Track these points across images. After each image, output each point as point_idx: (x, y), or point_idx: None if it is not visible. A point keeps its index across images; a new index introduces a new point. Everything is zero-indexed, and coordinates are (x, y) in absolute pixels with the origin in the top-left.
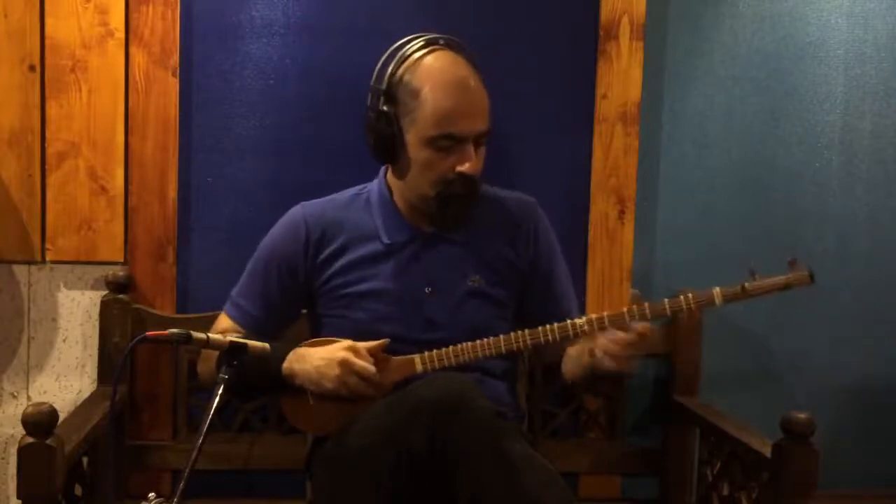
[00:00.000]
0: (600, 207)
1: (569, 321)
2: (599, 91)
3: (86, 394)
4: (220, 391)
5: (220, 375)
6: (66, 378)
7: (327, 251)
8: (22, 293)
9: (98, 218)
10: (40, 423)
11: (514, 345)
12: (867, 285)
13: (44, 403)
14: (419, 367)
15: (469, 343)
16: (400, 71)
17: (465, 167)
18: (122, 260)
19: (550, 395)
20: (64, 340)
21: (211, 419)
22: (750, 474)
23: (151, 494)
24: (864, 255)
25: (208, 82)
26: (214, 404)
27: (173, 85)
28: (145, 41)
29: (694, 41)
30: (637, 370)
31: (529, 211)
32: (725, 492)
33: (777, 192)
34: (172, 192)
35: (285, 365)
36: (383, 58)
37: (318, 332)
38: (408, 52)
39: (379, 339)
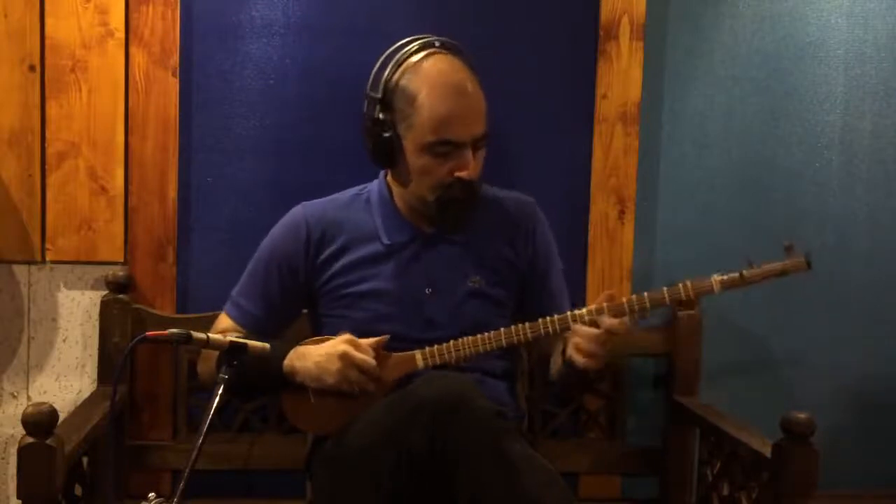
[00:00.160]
0: (600, 207)
1: (568, 312)
2: (599, 91)
3: (86, 394)
4: (220, 391)
5: (221, 375)
6: (66, 378)
7: (328, 251)
8: (22, 293)
9: (98, 218)
10: (40, 423)
11: (515, 338)
12: (867, 285)
13: (44, 403)
14: (420, 363)
15: (470, 337)
16: (395, 76)
17: (463, 173)
18: (122, 260)
19: (550, 395)
20: (64, 340)
21: (211, 419)
22: (750, 474)
23: (151, 494)
24: (864, 255)
25: (208, 82)
26: (214, 404)
27: (173, 85)
28: (145, 41)
29: (694, 41)
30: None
31: (528, 211)
32: (725, 492)
33: (777, 192)
34: (172, 192)
35: (286, 363)
36: (379, 62)
37: (319, 331)
38: (403, 57)
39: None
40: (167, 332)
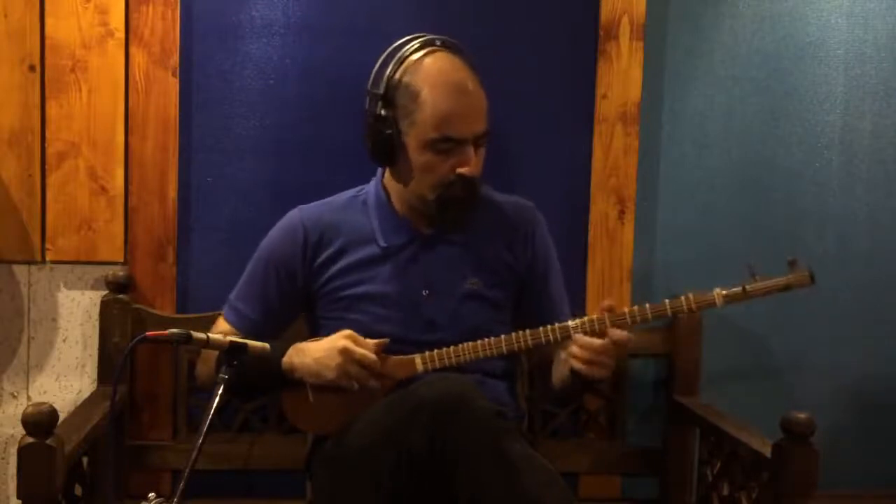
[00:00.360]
0: (600, 207)
1: (569, 322)
2: (599, 91)
3: (86, 394)
4: (220, 391)
5: (220, 375)
6: (66, 378)
7: (325, 254)
8: (22, 293)
9: (98, 218)
10: (40, 423)
11: (515, 345)
12: (867, 285)
13: (44, 403)
14: (420, 367)
15: (470, 343)
16: (398, 74)
17: (465, 169)
18: (122, 260)
19: (550, 395)
20: (64, 340)
21: (211, 419)
22: (750, 474)
23: (151, 494)
24: (864, 256)
25: (208, 82)
26: (214, 404)
27: (173, 85)
28: (145, 41)
29: (694, 41)
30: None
31: (528, 215)
32: (725, 492)
33: (777, 192)
34: (172, 192)
35: (285, 359)
36: (380, 60)
37: (317, 334)
38: (405, 55)
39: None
40: (167, 332)
